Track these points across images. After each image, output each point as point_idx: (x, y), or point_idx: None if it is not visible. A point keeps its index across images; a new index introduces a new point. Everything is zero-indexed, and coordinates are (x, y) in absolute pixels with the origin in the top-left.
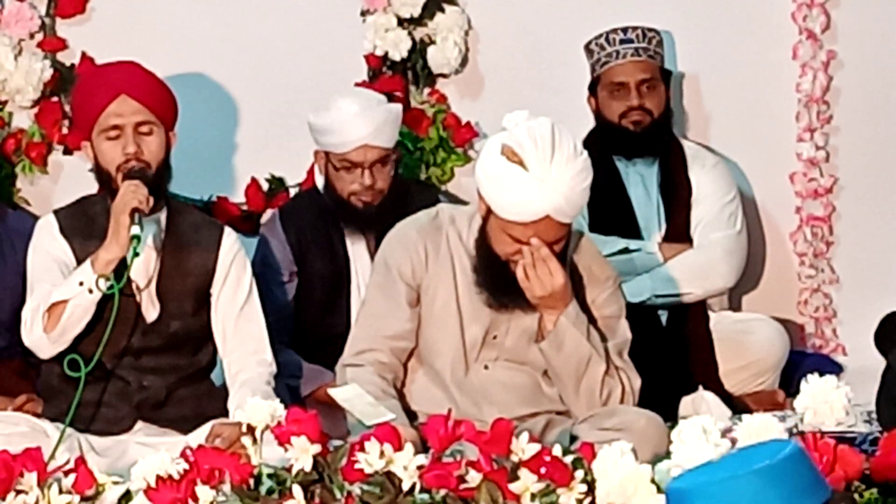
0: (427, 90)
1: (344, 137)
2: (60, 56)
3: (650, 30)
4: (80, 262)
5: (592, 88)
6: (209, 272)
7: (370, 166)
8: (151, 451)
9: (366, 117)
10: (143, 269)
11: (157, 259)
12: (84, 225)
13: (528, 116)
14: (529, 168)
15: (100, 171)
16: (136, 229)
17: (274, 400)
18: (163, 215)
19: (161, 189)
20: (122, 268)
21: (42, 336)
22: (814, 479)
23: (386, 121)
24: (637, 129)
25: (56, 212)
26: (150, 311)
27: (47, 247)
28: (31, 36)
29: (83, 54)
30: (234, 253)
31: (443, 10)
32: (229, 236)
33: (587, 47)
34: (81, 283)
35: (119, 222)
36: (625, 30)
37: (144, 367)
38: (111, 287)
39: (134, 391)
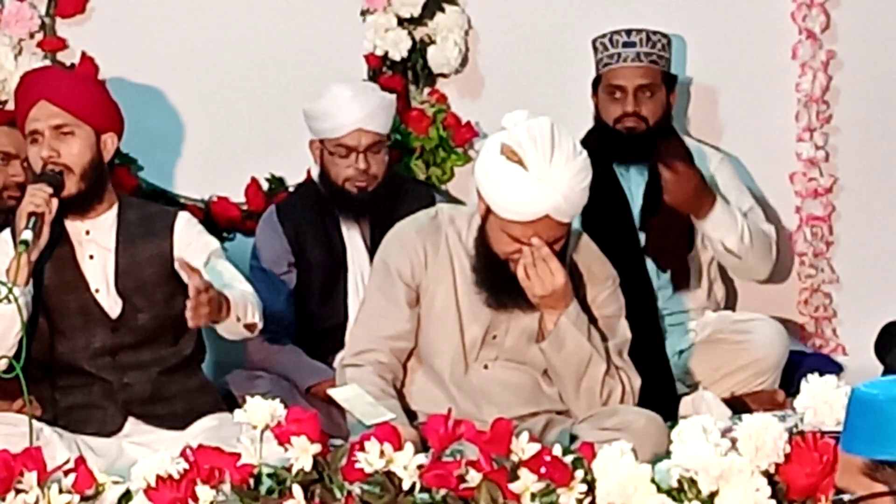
0: (427, 90)
1: (338, 122)
2: (60, 56)
3: (656, 33)
4: None
5: (595, 86)
6: (167, 258)
7: (364, 151)
8: (146, 450)
9: (359, 101)
10: (100, 268)
11: (112, 257)
12: None
13: (527, 116)
14: (529, 167)
15: None
16: (26, 234)
17: (258, 306)
18: (112, 213)
19: (99, 189)
20: (35, 271)
21: None
22: None
23: (379, 106)
24: (630, 135)
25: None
26: (114, 309)
27: None
28: (31, 36)
29: (83, 54)
30: (188, 231)
31: (443, 10)
32: (181, 218)
33: (594, 43)
34: None
35: (18, 227)
36: (629, 32)
37: (124, 365)
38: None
39: (118, 390)
